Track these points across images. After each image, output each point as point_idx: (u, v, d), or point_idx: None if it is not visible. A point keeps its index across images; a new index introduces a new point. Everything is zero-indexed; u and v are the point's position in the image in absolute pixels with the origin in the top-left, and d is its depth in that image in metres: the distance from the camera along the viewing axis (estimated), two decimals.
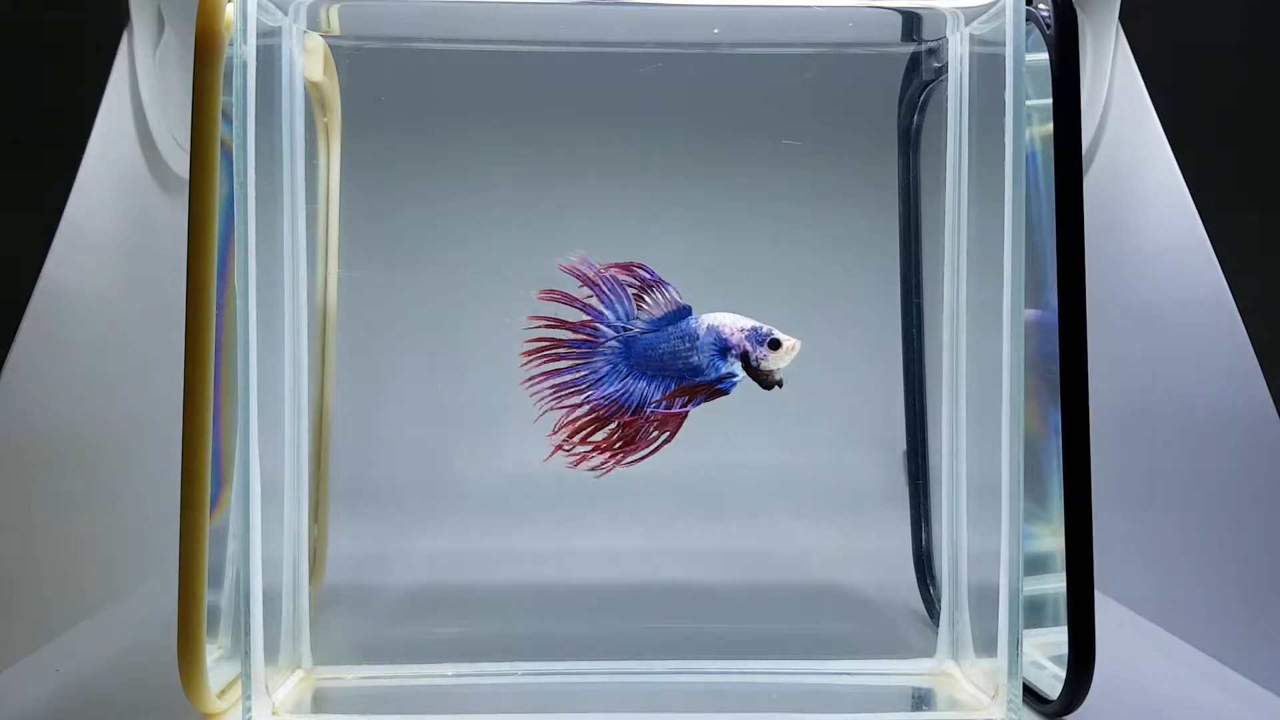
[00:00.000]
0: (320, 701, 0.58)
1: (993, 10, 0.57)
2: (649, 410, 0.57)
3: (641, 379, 0.57)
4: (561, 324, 0.57)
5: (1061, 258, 0.54)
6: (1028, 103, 0.55)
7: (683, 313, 0.57)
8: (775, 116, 0.63)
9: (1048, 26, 0.55)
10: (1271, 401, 0.63)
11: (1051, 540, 0.57)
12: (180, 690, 0.52)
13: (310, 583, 0.61)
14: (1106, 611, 0.73)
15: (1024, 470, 0.55)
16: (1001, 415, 0.55)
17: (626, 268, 0.57)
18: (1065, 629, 0.54)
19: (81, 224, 0.70)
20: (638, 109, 0.64)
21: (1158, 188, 0.74)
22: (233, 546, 0.57)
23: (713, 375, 0.57)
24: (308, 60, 0.60)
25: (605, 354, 0.58)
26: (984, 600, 0.58)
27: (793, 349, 0.57)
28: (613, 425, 0.57)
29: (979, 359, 0.59)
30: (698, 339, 0.57)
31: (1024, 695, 0.56)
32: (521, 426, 0.68)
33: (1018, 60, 0.54)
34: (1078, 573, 0.53)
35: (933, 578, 0.66)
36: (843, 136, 0.65)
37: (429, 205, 0.66)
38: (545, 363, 0.57)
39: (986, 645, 0.57)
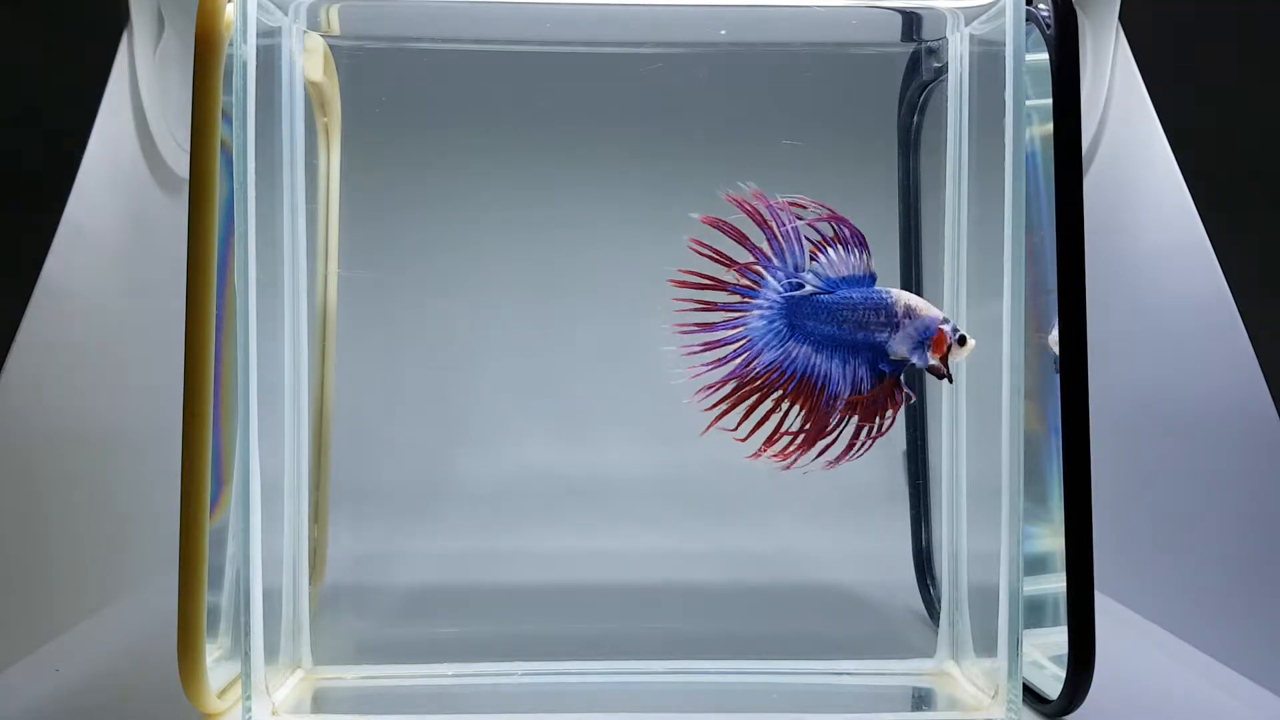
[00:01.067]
0: (320, 701, 0.58)
1: (993, 10, 0.57)
2: (846, 392, 0.49)
3: (805, 344, 0.50)
4: (721, 265, 0.49)
5: (1061, 258, 0.54)
6: (1028, 103, 0.55)
7: (866, 280, 0.51)
8: (775, 116, 0.63)
9: (1048, 26, 0.55)
10: (1271, 401, 0.63)
11: (1051, 540, 0.57)
12: (180, 690, 0.52)
13: (310, 583, 0.61)
14: (1106, 611, 0.73)
15: (1024, 470, 0.55)
16: (1001, 415, 0.55)
17: (823, 208, 0.49)
18: (1065, 629, 0.54)
19: (81, 224, 0.70)
20: (637, 109, 0.64)
21: (1158, 188, 0.73)
22: (233, 546, 0.57)
23: (909, 358, 0.51)
24: (308, 60, 0.60)
25: (763, 308, 0.50)
26: (984, 600, 0.58)
27: (972, 349, 0.53)
28: (794, 408, 0.49)
29: (979, 359, 0.59)
30: (896, 317, 0.51)
31: (1024, 695, 0.56)
32: (522, 426, 0.68)
33: (1018, 60, 0.54)
34: (1078, 573, 0.53)
35: (933, 578, 0.66)
36: (843, 136, 0.65)
37: (429, 205, 0.66)
38: (699, 310, 0.50)
39: (986, 645, 0.57)
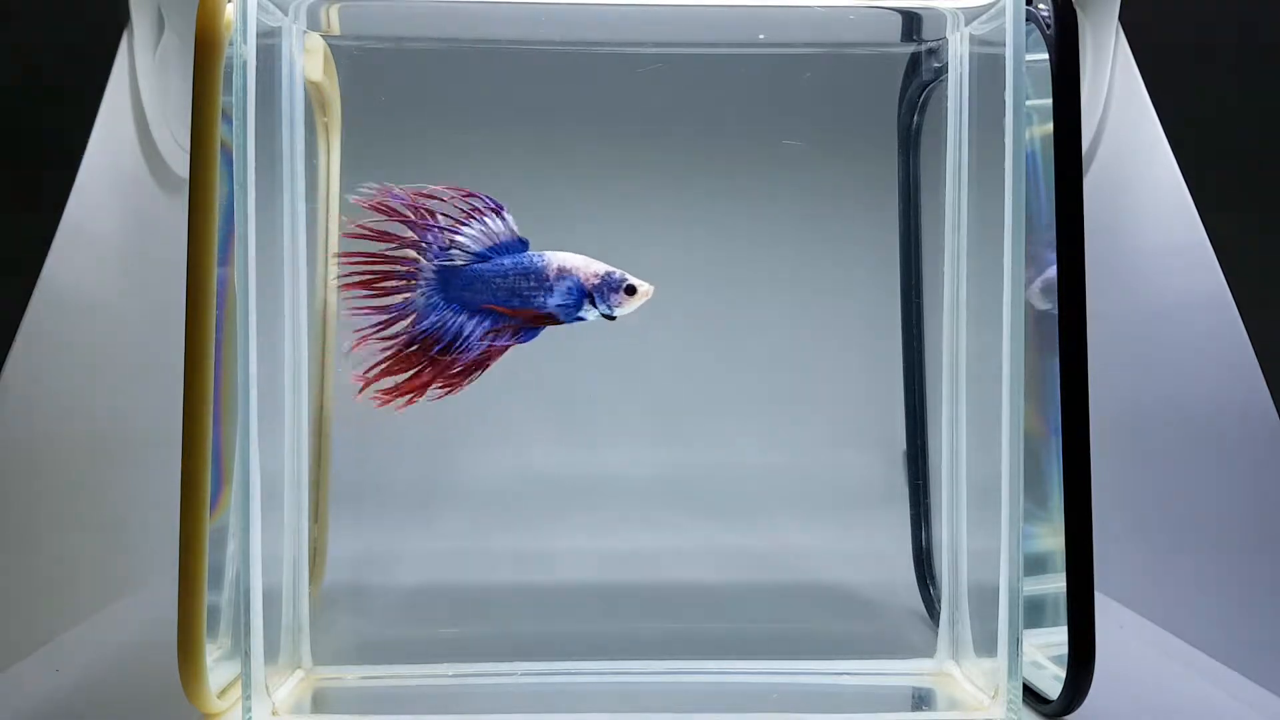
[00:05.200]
0: (320, 702, 0.58)
1: (993, 10, 0.57)
2: (471, 344, 0.54)
3: (461, 313, 0.55)
4: (374, 258, 0.55)
5: (1061, 258, 0.54)
6: (1028, 103, 0.55)
7: (516, 246, 0.55)
8: (775, 116, 0.63)
9: (1048, 26, 0.55)
10: (1271, 401, 0.63)
11: (1051, 540, 0.57)
12: (180, 690, 0.52)
13: (310, 583, 0.61)
14: (1106, 611, 0.73)
15: (1024, 470, 0.55)
16: (1001, 415, 0.55)
17: (454, 189, 0.54)
18: (1065, 629, 0.54)
19: (81, 224, 0.70)
20: (637, 109, 0.64)
21: (1158, 188, 0.74)
22: (233, 546, 0.57)
23: (563, 318, 0.56)
24: (308, 60, 0.60)
25: (421, 287, 0.55)
26: (984, 600, 0.58)
27: (647, 294, 0.56)
28: (422, 364, 0.55)
29: (979, 359, 0.59)
30: (547, 279, 0.55)
31: (1024, 695, 0.56)
32: (522, 427, 0.68)
33: (1018, 60, 0.54)
34: (1078, 573, 0.53)
35: (933, 578, 0.66)
36: (843, 136, 0.65)
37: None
38: (362, 296, 0.55)
39: (986, 645, 0.57)
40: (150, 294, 0.77)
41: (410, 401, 0.55)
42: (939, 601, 0.64)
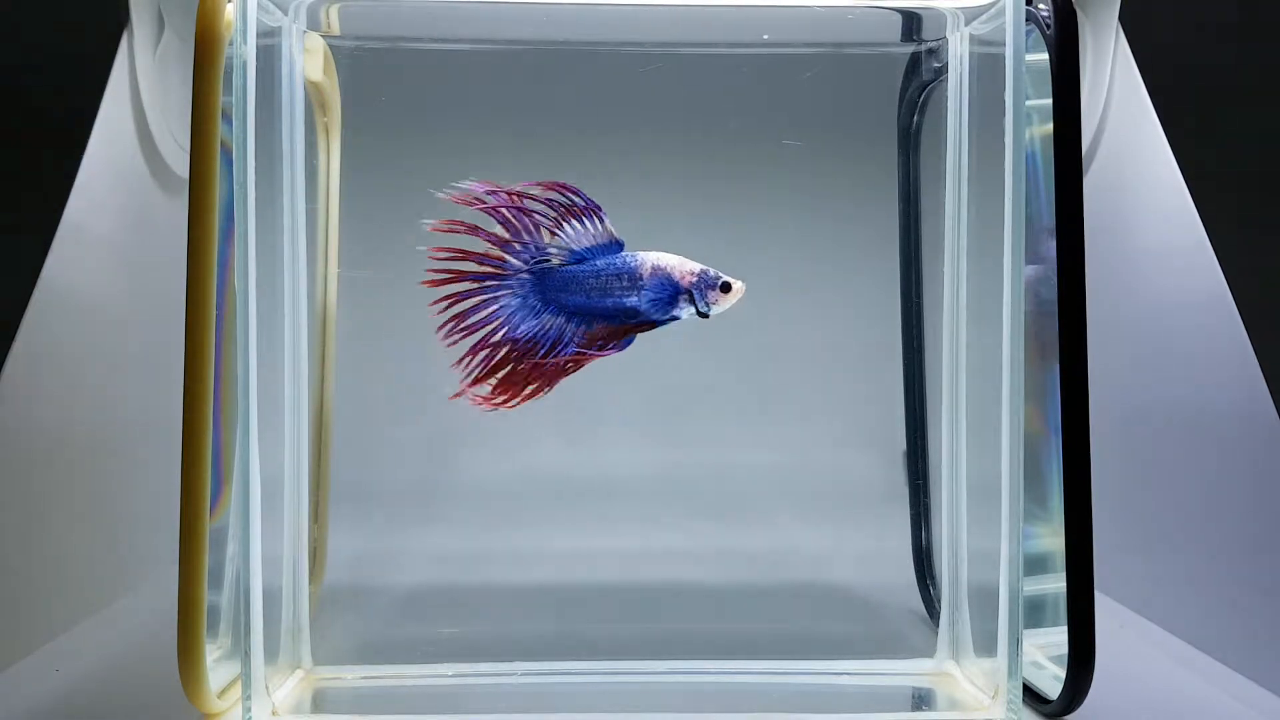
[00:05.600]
0: (320, 701, 0.58)
1: (993, 10, 0.57)
2: (569, 350, 0.54)
3: (559, 315, 0.54)
4: (464, 254, 0.54)
5: (1061, 258, 0.54)
6: (1028, 103, 0.55)
7: (613, 247, 0.55)
8: (775, 116, 0.63)
9: (1048, 26, 0.55)
10: (1271, 401, 0.63)
11: (1051, 540, 0.57)
12: (180, 690, 0.52)
13: (310, 583, 0.61)
14: (1106, 611, 0.73)
15: (1024, 470, 0.55)
16: (1001, 415, 0.55)
17: (552, 187, 0.53)
18: (1065, 629, 0.54)
19: (81, 224, 0.70)
20: (637, 109, 0.64)
21: (1158, 188, 0.74)
22: (233, 546, 0.57)
23: (657, 317, 0.55)
24: (308, 60, 0.60)
25: (514, 288, 0.55)
26: (984, 600, 0.58)
27: (740, 291, 0.56)
28: (522, 366, 0.54)
29: (979, 359, 0.59)
30: (640, 279, 0.55)
31: (1024, 695, 0.56)
32: (522, 426, 0.68)
33: (1018, 60, 0.54)
34: (1078, 573, 0.53)
35: (933, 578, 0.66)
36: (843, 136, 0.65)
37: (429, 204, 0.66)
38: (452, 302, 0.55)
39: (986, 645, 0.57)
40: (150, 294, 0.77)
41: (507, 403, 0.55)
42: (939, 601, 0.64)
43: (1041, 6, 0.56)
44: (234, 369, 0.53)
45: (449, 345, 0.55)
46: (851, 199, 0.67)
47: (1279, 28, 0.69)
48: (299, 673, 0.60)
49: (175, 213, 0.73)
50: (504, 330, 0.55)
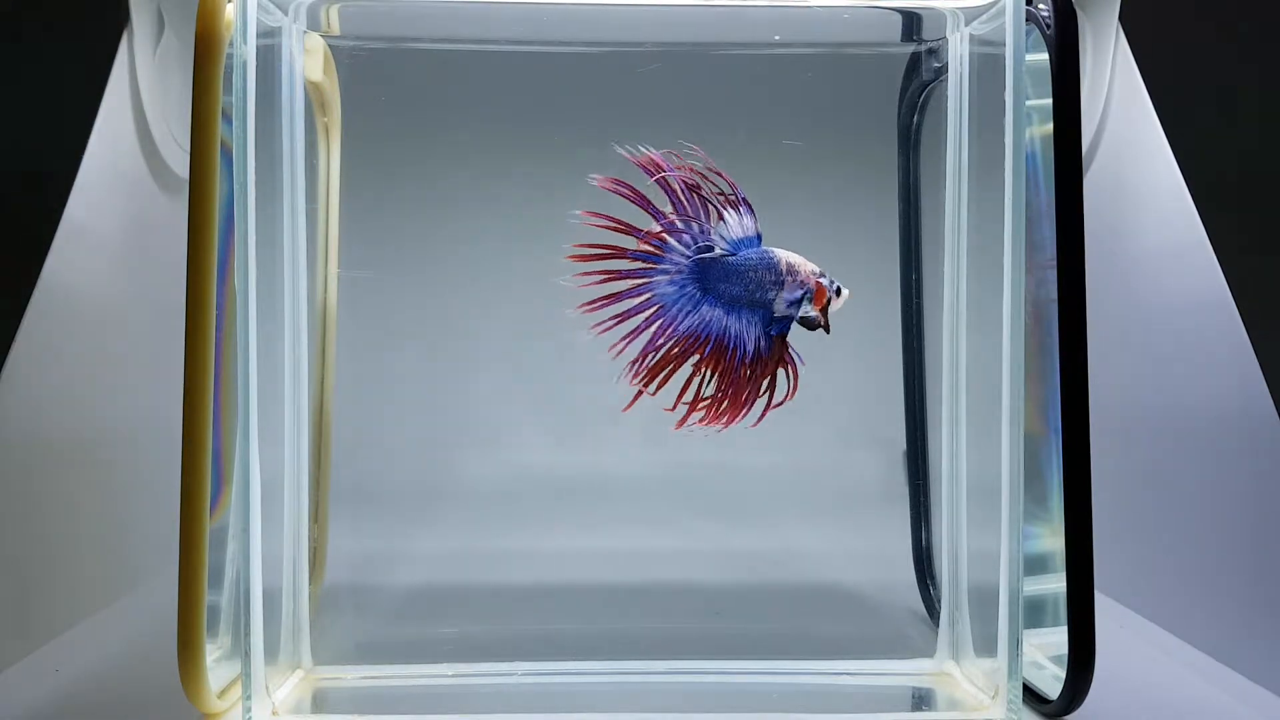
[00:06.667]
0: (320, 701, 0.58)
1: (993, 10, 0.57)
2: (746, 348, 0.49)
3: (716, 308, 0.50)
4: (625, 227, 0.49)
5: (1061, 258, 0.54)
6: (1028, 103, 0.55)
7: (754, 241, 0.51)
8: (775, 116, 0.63)
9: (1048, 26, 0.55)
10: (1271, 401, 0.63)
11: (1051, 540, 0.57)
12: (180, 690, 0.52)
13: (310, 583, 0.61)
14: (1106, 611, 0.73)
15: (1024, 470, 0.55)
16: (1001, 415, 0.55)
17: (705, 175, 0.49)
18: (1065, 629, 0.54)
19: (81, 224, 0.70)
20: (637, 109, 0.64)
21: (1158, 188, 0.74)
22: (233, 546, 0.57)
23: (792, 314, 0.51)
24: (308, 60, 0.60)
25: (671, 273, 0.50)
26: (984, 600, 0.58)
27: (848, 297, 0.53)
28: (705, 372, 0.49)
29: (979, 359, 0.59)
30: (780, 274, 0.51)
31: (1024, 695, 0.56)
32: (522, 426, 0.68)
33: (1018, 60, 0.54)
34: (1078, 573, 0.54)
35: (933, 578, 0.66)
36: (843, 136, 0.65)
37: (429, 205, 0.66)
38: (603, 280, 0.50)
39: (986, 645, 0.57)
40: (150, 294, 0.77)
41: (726, 421, 0.51)
42: (939, 601, 0.64)
43: (1041, 6, 0.56)
44: (234, 369, 0.53)
45: (600, 333, 0.51)
46: (851, 199, 0.67)
47: (1278, 27, 0.69)
48: (299, 673, 0.60)
49: (175, 213, 0.73)
50: (659, 321, 0.51)
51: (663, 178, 0.50)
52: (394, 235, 0.66)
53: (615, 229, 0.50)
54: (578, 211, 0.50)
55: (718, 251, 0.50)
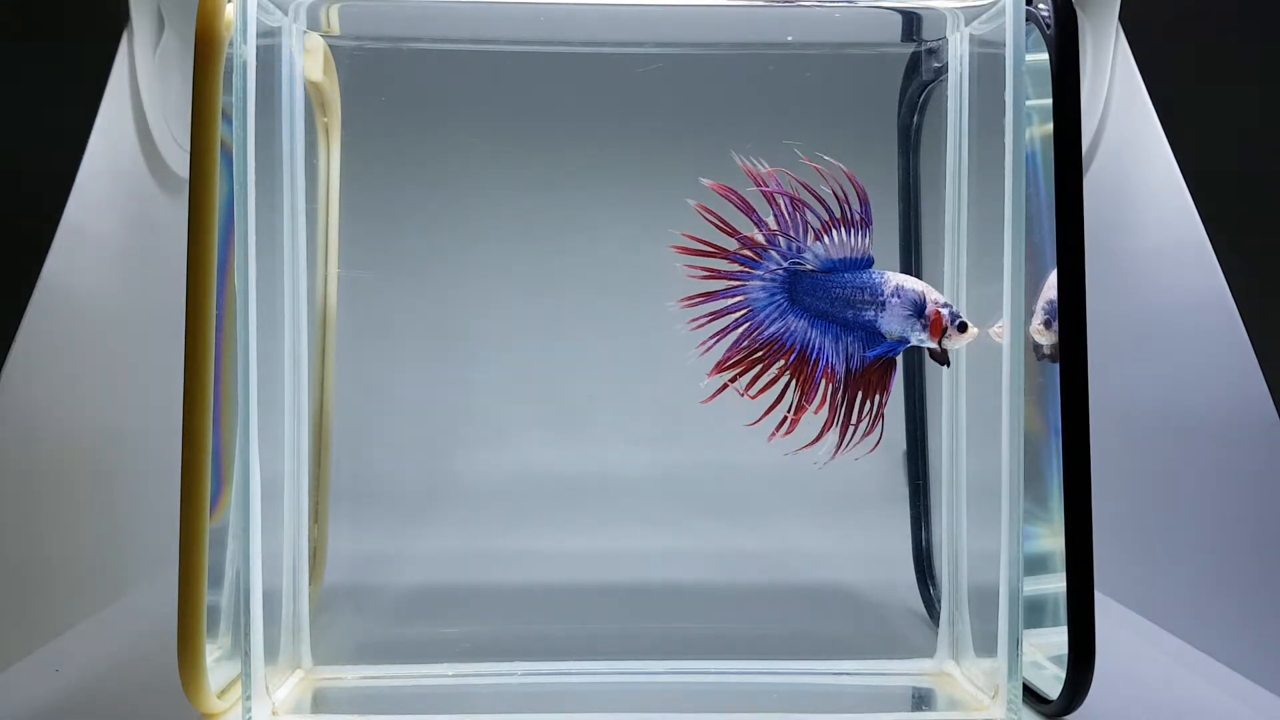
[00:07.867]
0: (320, 701, 0.58)
1: (993, 10, 0.57)
2: (827, 358, 0.51)
3: (802, 319, 0.52)
4: (729, 229, 0.51)
5: (1061, 257, 0.54)
6: (1028, 103, 0.55)
7: (863, 262, 0.52)
8: (775, 116, 0.63)
9: (1048, 26, 0.55)
10: (1271, 401, 0.63)
11: (1051, 540, 0.57)
12: (180, 690, 0.52)
13: (310, 583, 0.61)
14: (1106, 611, 0.73)
15: (1024, 470, 0.55)
16: (1001, 415, 0.55)
17: (842, 198, 0.50)
18: (1065, 629, 0.54)
19: (81, 224, 0.70)
20: (637, 109, 0.64)
21: (1158, 188, 0.73)
22: (233, 546, 0.57)
23: (900, 340, 0.53)
24: (308, 60, 0.60)
25: (765, 281, 0.52)
26: (984, 600, 0.58)
27: (974, 336, 0.54)
28: (785, 380, 0.51)
29: (979, 359, 0.59)
30: (882, 296, 0.53)
31: (1024, 695, 0.56)
32: (522, 426, 0.68)
33: (1018, 60, 0.54)
34: (1078, 573, 0.53)
35: (933, 578, 0.66)
36: (843, 136, 0.65)
37: (429, 205, 0.66)
38: (703, 278, 0.52)
39: (986, 645, 0.57)
40: (150, 294, 0.77)
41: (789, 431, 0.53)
42: (939, 601, 0.64)
43: (1041, 6, 0.56)
44: (234, 369, 0.53)
45: (695, 329, 0.53)
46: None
47: (1278, 27, 0.69)
48: (299, 673, 0.60)
49: (175, 213, 0.73)
50: (746, 324, 0.53)
51: (767, 190, 0.52)
52: (394, 235, 0.66)
53: (718, 227, 0.53)
54: (690, 201, 0.53)
55: (807, 266, 0.52)
